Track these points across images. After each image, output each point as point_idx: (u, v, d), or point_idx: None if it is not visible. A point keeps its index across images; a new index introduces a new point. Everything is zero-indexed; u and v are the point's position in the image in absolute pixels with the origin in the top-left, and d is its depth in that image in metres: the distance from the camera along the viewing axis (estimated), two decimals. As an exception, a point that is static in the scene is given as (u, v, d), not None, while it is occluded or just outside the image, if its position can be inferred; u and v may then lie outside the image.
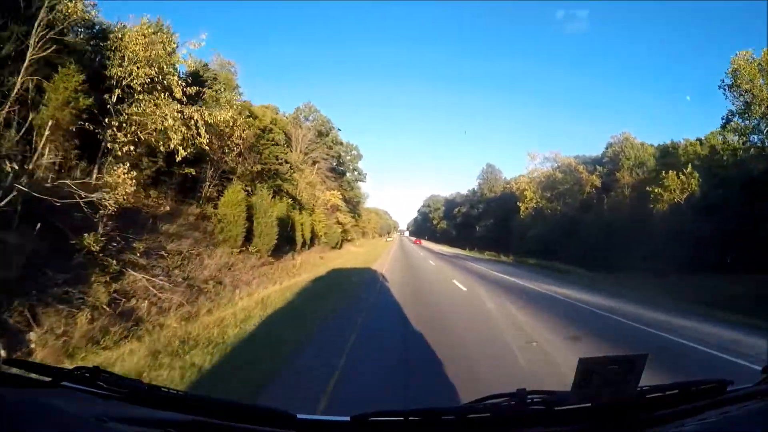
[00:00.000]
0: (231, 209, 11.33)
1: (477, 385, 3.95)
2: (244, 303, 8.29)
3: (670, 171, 24.80)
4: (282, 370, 4.01)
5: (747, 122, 25.85)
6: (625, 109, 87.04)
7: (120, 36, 11.75)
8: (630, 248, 25.45)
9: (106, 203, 7.82)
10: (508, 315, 7.91)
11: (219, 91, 15.68)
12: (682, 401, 1.13)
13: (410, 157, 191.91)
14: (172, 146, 10.27)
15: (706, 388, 1.17)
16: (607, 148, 44.79)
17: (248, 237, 12.57)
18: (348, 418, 0.95)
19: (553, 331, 6.70)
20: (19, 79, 8.54)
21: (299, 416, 0.94)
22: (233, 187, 11.86)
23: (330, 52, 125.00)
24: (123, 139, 9.59)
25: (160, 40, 11.55)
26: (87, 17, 10.92)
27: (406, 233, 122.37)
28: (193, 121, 11.35)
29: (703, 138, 33.65)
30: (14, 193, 6.39)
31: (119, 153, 9.45)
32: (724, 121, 27.93)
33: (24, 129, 8.57)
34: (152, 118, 10.46)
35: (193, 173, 12.78)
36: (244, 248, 12.14)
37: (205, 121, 11.30)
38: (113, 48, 11.60)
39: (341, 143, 41.76)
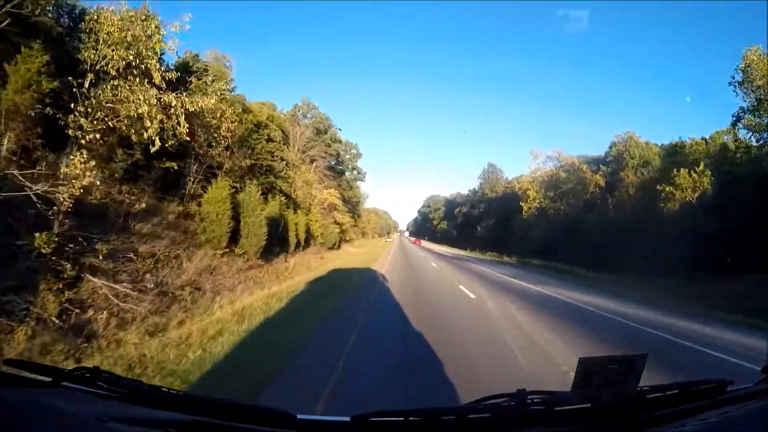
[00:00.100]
0: (215, 207, 10.25)
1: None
2: (222, 313, 7.22)
3: (682, 169, 23.80)
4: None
5: (759, 119, 25.07)
6: (626, 109, 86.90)
7: (96, 17, 10.71)
8: (636, 249, 24.79)
9: (60, 197, 6.76)
10: (536, 335, 6.32)
11: (208, 83, 14.63)
12: (682, 401, 1.12)
13: (410, 157, 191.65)
14: (147, 136, 9.19)
15: (706, 388, 1.16)
16: (610, 148, 44.22)
17: (235, 238, 11.50)
18: (348, 419, 0.94)
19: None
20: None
21: (299, 416, 0.93)
22: (218, 183, 10.78)
23: (330, 51, 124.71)
24: (88, 126, 8.51)
25: (139, 20, 10.51)
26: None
27: (406, 233, 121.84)
28: (172, 110, 10.29)
29: (708, 137, 32.86)
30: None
31: (83, 141, 8.38)
32: (734, 118, 27.22)
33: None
34: (126, 105, 9.41)
35: (176, 168, 11.71)
36: (229, 250, 11.07)
37: (185, 109, 10.23)
38: (87, 30, 10.58)
39: (340, 141, 40.74)
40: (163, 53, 15.08)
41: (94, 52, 10.30)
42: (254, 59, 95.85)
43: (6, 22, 8.10)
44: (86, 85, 10.02)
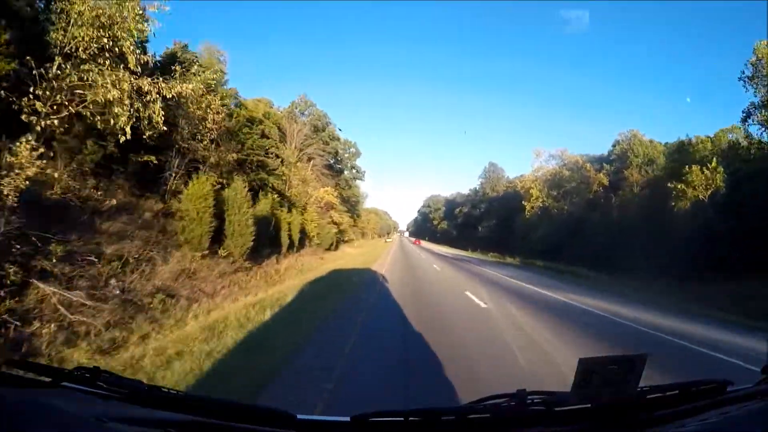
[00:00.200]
0: (195, 204, 9.25)
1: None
2: (194, 326, 6.24)
3: (694, 166, 22.87)
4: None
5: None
6: (627, 109, 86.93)
7: (68, -5, 9.73)
8: (644, 249, 24.07)
9: (4, 190, 5.79)
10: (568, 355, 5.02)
11: (193, 72, 13.62)
12: (682, 401, 1.12)
13: (410, 157, 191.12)
14: (118, 125, 8.20)
15: (706, 389, 1.16)
16: (614, 146, 43.84)
17: (219, 238, 10.51)
18: (348, 419, 0.94)
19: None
20: None
21: (299, 416, 0.94)
22: (199, 178, 9.78)
23: (330, 52, 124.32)
24: (44, 110, 7.53)
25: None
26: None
27: (406, 234, 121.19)
28: (148, 96, 9.31)
29: (712, 135, 32.23)
30: None
31: (38, 128, 7.39)
32: (744, 114, 26.43)
33: None
34: (93, 90, 8.43)
35: (155, 162, 10.71)
36: (212, 251, 10.07)
37: (162, 95, 9.24)
38: (59, 10, 9.61)
39: (338, 139, 39.82)
40: (146, 41, 14.23)
41: (63, 33, 9.34)
42: (254, 60, 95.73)
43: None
44: (54, 68, 9.08)
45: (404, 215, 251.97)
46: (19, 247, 6.09)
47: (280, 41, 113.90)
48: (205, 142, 11.89)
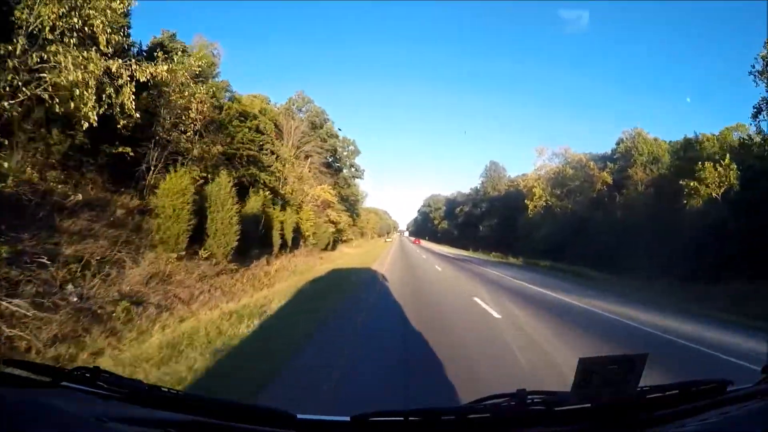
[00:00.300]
0: (171, 200, 8.31)
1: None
2: (159, 339, 5.32)
3: (707, 162, 21.96)
4: None
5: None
6: (627, 109, 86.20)
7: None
8: (649, 248, 23.38)
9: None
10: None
11: (179, 60, 12.67)
12: (682, 401, 1.12)
13: (410, 157, 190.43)
14: (76, 107, 7.27)
15: (706, 389, 1.16)
16: (617, 144, 43.10)
17: (200, 237, 9.57)
18: (348, 418, 0.94)
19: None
20: None
21: (299, 416, 0.93)
22: (177, 171, 8.81)
23: (330, 52, 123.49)
24: (-7, 92, 6.61)
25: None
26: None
27: (406, 233, 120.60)
28: (121, 80, 8.39)
29: (717, 133, 31.64)
30: None
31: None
32: (755, 109, 25.62)
33: None
34: (56, 71, 7.52)
35: (131, 154, 9.77)
36: (192, 252, 9.13)
37: (135, 78, 8.31)
38: (25, -12, 8.68)
39: (336, 136, 38.90)
40: (128, 26, 13.30)
41: (29, 11, 8.42)
42: (254, 60, 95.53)
43: None
44: (18, 50, 8.15)
45: (404, 215, 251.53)
46: (-50, 247, 5.18)
47: (280, 41, 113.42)
48: (188, 134, 10.95)
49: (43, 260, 6.10)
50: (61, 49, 8.00)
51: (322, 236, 23.51)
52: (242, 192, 13.97)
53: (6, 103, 6.75)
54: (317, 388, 3.38)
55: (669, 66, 79.93)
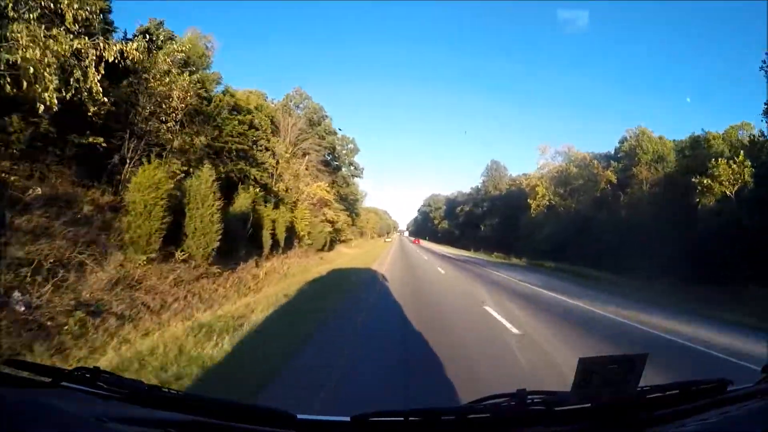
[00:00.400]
0: (143, 195, 7.36)
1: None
2: (110, 359, 4.41)
3: (720, 159, 21.10)
4: None
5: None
6: (627, 109, 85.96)
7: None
8: (660, 248, 22.54)
9: None
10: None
11: (161, 45, 11.75)
12: (682, 401, 1.12)
13: (410, 156, 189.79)
14: (29, 87, 6.36)
15: (706, 388, 1.16)
16: (621, 143, 42.52)
17: (179, 237, 8.63)
18: (348, 418, 0.93)
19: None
20: None
21: (299, 416, 0.93)
22: (151, 163, 7.86)
23: (330, 52, 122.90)
24: None
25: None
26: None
27: (406, 233, 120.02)
28: (87, 61, 7.47)
29: (722, 132, 31.28)
30: None
31: None
32: (766, 106, 24.90)
33: None
34: (8, 47, 6.60)
35: (104, 145, 8.84)
36: (166, 253, 8.18)
37: (102, 58, 7.39)
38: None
39: (334, 133, 38.00)
40: (109, 11, 12.38)
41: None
42: (254, 60, 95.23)
43: None
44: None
45: (404, 215, 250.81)
46: None
47: (280, 41, 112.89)
48: (169, 124, 10.02)
49: (-20, 264, 5.19)
50: (15, 27, 7.10)
51: (318, 236, 22.53)
52: (231, 188, 13.06)
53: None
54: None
55: (669, 66, 79.98)
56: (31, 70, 6.42)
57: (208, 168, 9.44)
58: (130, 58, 7.42)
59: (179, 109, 10.12)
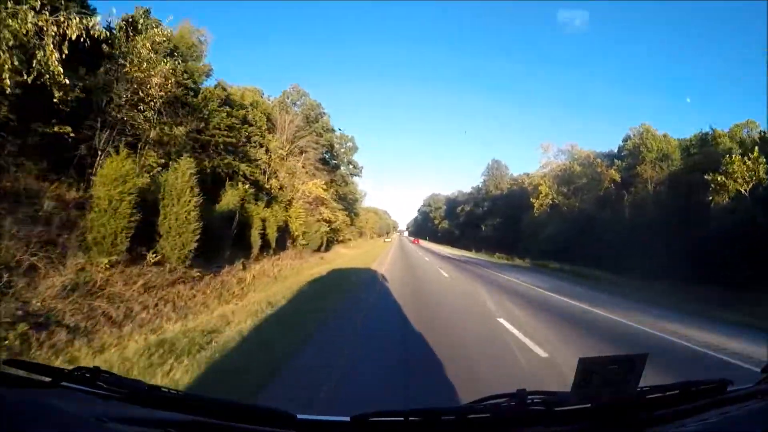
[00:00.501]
0: (109, 189, 6.50)
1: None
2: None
3: (734, 156, 20.28)
4: None
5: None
6: (627, 108, 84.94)
7: None
8: (669, 248, 21.78)
9: None
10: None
11: (141, 30, 10.86)
12: (682, 401, 1.11)
13: (410, 156, 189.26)
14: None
15: (706, 388, 1.15)
16: (624, 141, 41.79)
17: (151, 237, 7.76)
18: (348, 418, 0.93)
19: None
20: None
21: (299, 416, 0.93)
22: (120, 155, 6.97)
23: (330, 52, 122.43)
24: None
25: None
26: None
27: (406, 233, 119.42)
28: (48, 39, 6.63)
29: (727, 130, 31.04)
30: None
31: None
32: (775, 103, 24.13)
33: None
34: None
35: (72, 135, 8.00)
36: (135, 255, 7.32)
37: (65, 36, 6.55)
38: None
39: (333, 130, 37.17)
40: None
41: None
42: (254, 60, 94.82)
43: None
44: None
45: (404, 215, 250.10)
46: None
47: (280, 41, 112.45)
48: (147, 113, 9.17)
49: None
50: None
51: (313, 236, 21.63)
52: (219, 185, 12.21)
53: None
54: None
55: (669, 65, 79.62)
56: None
57: (187, 160, 8.56)
58: (96, 35, 6.55)
59: (158, 96, 9.27)
